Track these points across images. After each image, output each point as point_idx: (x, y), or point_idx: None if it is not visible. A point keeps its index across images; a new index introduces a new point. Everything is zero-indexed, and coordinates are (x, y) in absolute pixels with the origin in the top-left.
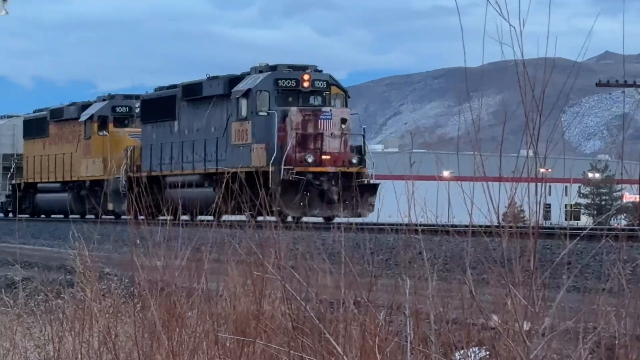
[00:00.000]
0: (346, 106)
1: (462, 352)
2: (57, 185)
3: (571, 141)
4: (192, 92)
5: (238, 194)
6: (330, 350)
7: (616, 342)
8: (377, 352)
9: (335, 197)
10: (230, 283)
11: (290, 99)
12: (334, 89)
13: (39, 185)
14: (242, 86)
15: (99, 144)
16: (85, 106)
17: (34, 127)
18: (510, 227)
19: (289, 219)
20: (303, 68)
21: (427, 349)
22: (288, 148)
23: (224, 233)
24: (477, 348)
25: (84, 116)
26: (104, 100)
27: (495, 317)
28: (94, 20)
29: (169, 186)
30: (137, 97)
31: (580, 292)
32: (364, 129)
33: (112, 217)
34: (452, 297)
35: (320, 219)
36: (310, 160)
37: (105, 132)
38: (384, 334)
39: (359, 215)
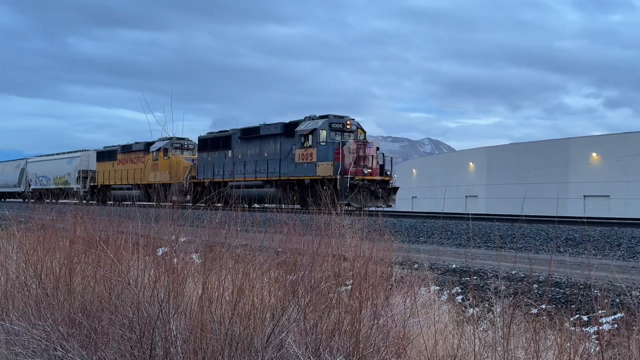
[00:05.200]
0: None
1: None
2: (129, 186)
3: None
4: (249, 133)
5: (295, 191)
6: (102, 249)
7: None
8: (122, 249)
9: (380, 195)
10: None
11: (336, 134)
12: (359, 130)
13: (112, 186)
14: (304, 127)
15: (165, 164)
16: (149, 143)
17: (105, 155)
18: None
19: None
20: (342, 117)
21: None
22: (346, 164)
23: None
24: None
25: (153, 148)
26: (163, 140)
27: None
28: None
29: (230, 187)
30: (183, 138)
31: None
32: (391, 158)
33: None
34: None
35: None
36: (366, 172)
37: (167, 157)
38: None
39: (389, 206)
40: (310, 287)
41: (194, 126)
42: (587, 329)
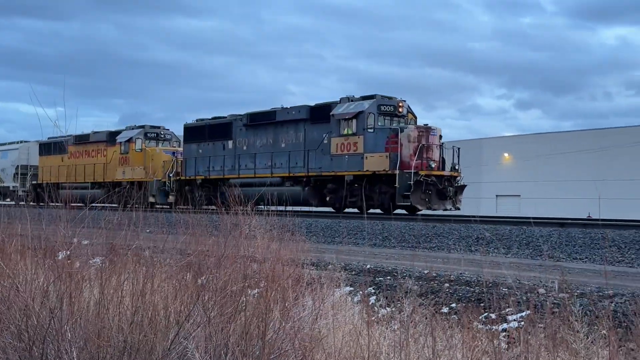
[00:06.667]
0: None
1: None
2: (85, 185)
3: None
4: (258, 118)
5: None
6: None
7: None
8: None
9: (450, 194)
10: None
11: (385, 119)
12: (409, 115)
13: (62, 185)
14: (344, 110)
15: (138, 157)
16: (113, 133)
17: (51, 148)
18: None
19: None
20: (390, 98)
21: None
22: (404, 156)
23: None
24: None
25: (121, 138)
26: (132, 129)
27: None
28: None
29: (230, 186)
30: (158, 127)
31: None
32: (459, 148)
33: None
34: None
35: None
36: (433, 166)
37: (140, 149)
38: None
39: (458, 209)
40: (216, 290)
41: (100, 122)
42: (496, 327)
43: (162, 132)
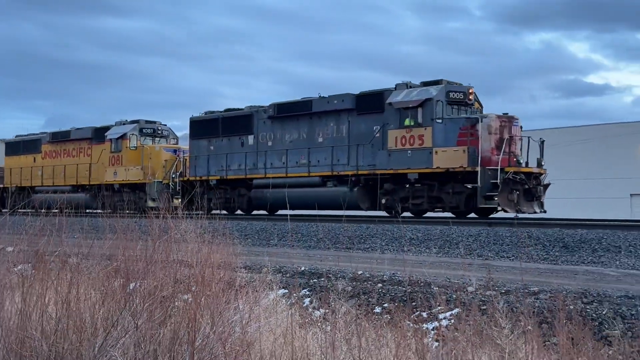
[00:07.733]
0: None
1: None
2: (67, 188)
3: None
4: (289, 109)
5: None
6: None
7: None
8: None
9: (540, 195)
10: None
11: (453, 108)
12: (476, 104)
13: (36, 188)
14: (404, 98)
15: (134, 156)
16: (100, 129)
17: (21, 147)
18: None
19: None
20: (459, 84)
21: None
22: (484, 151)
23: None
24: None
25: (112, 134)
26: (124, 124)
27: None
28: None
29: (253, 187)
30: (154, 122)
31: None
32: (544, 141)
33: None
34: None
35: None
36: (521, 161)
37: (135, 147)
38: None
39: (544, 211)
40: (144, 295)
41: (24, 125)
42: (425, 325)
43: (159, 128)
